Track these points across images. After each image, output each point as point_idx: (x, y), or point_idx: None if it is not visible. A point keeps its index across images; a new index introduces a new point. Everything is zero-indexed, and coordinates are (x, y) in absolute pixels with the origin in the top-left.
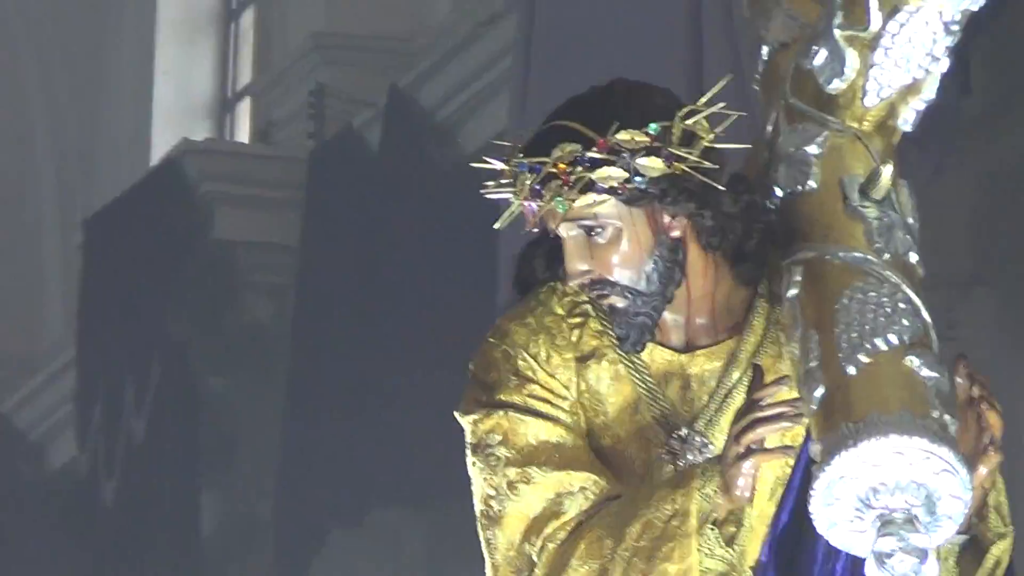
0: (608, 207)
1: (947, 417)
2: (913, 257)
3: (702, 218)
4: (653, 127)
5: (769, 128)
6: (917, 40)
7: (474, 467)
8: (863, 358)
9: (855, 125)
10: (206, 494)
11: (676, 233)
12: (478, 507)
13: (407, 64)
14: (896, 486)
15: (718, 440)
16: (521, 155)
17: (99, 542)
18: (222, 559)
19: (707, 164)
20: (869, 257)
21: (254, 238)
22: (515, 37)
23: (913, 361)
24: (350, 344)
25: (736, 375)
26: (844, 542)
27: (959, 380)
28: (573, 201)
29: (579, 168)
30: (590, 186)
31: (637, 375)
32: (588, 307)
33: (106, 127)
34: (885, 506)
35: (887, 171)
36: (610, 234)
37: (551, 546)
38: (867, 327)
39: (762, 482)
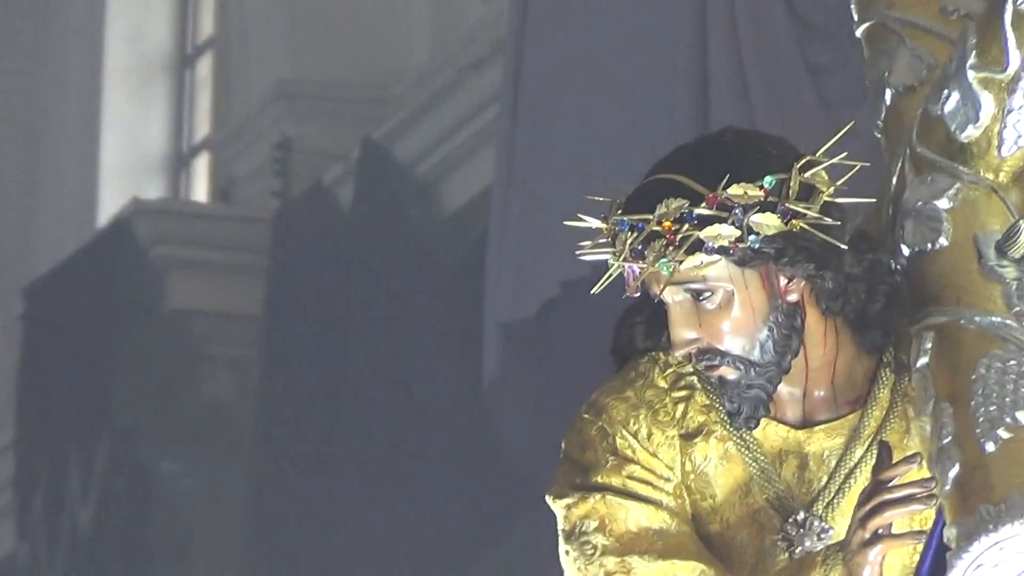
0: (718, 269)
1: None
2: None
3: (822, 280)
4: (768, 180)
5: (893, 180)
6: None
7: (567, 556)
8: (1003, 433)
9: (990, 176)
10: None
11: (793, 297)
12: None
13: (382, 114)
14: None
15: (839, 525)
16: (621, 212)
17: None
18: None
19: (828, 220)
20: (1008, 322)
21: (212, 307)
22: (501, 84)
23: None
24: (320, 425)
25: (859, 453)
26: None
27: None
28: (679, 263)
29: (686, 226)
30: (698, 246)
31: (749, 454)
32: (694, 379)
33: (47, 185)
34: None
35: None
36: (720, 298)
37: None
38: (1007, 399)
39: (888, 571)
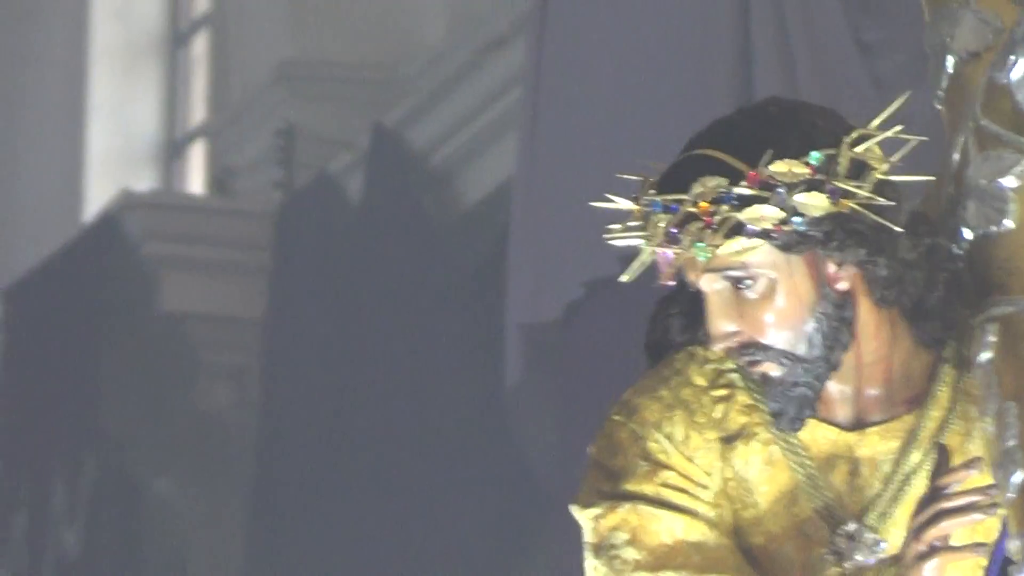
0: (760, 254)
1: None
2: None
3: (875, 266)
4: (815, 156)
5: (955, 155)
6: None
7: (596, 572)
8: None
9: None
10: None
11: (843, 285)
12: None
13: (393, 98)
14: None
15: (893, 536)
16: (654, 192)
17: None
18: None
19: (881, 200)
20: None
21: (209, 310)
22: (524, 65)
23: None
24: (326, 439)
25: (916, 458)
26: None
27: None
28: (717, 247)
29: (725, 207)
30: (738, 229)
31: (795, 459)
32: (735, 376)
33: (29, 177)
34: None
35: None
36: (762, 287)
37: None
38: None
39: None
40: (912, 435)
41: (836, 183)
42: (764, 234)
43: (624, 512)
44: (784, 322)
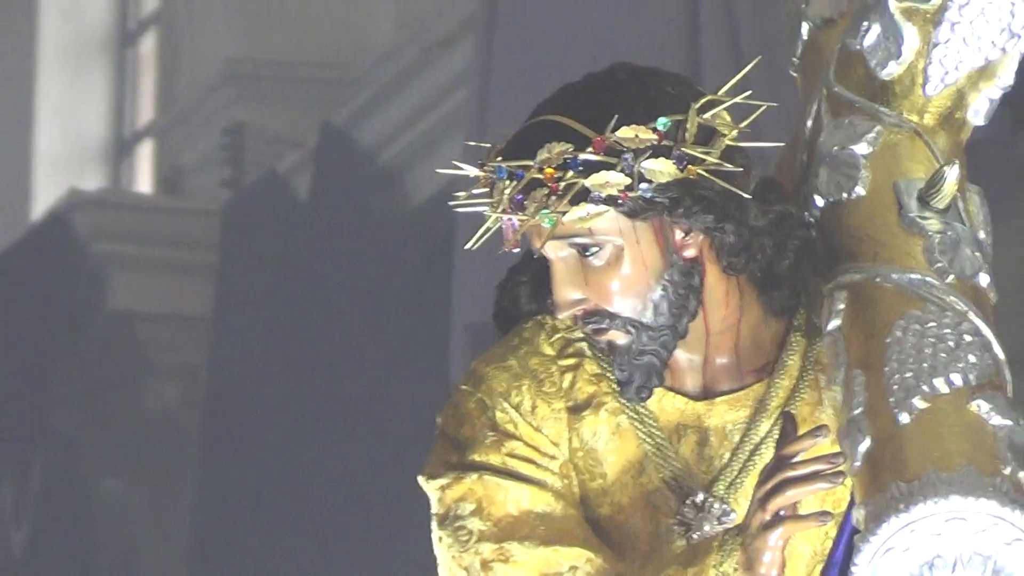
0: (606, 221)
1: (1021, 474)
2: (984, 280)
3: (723, 233)
4: (662, 122)
5: (808, 122)
6: (991, 13)
7: (440, 543)
8: (919, 403)
9: (914, 118)
10: None
11: (691, 252)
12: None
13: (341, 97)
14: (957, 560)
15: (742, 507)
16: (499, 158)
17: None
18: None
19: (729, 167)
20: (929, 279)
21: (157, 309)
22: (471, 64)
23: (981, 406)
24: (275, 438)
25: (765, 426)
26: None
27: None
28: (563, 214)
29: (570, 173)
30: (584, 195)
31: (643, 428)
32: (584, 346)
33: None
34: None
35: (953, 174)
36: (608, 254)
37: None
38: (925, 365)
39: (795, 558)
40: (761, 404)
41: (683, 149)
42: (610, 200)
43: (470, 482)
44: (630, 289)
